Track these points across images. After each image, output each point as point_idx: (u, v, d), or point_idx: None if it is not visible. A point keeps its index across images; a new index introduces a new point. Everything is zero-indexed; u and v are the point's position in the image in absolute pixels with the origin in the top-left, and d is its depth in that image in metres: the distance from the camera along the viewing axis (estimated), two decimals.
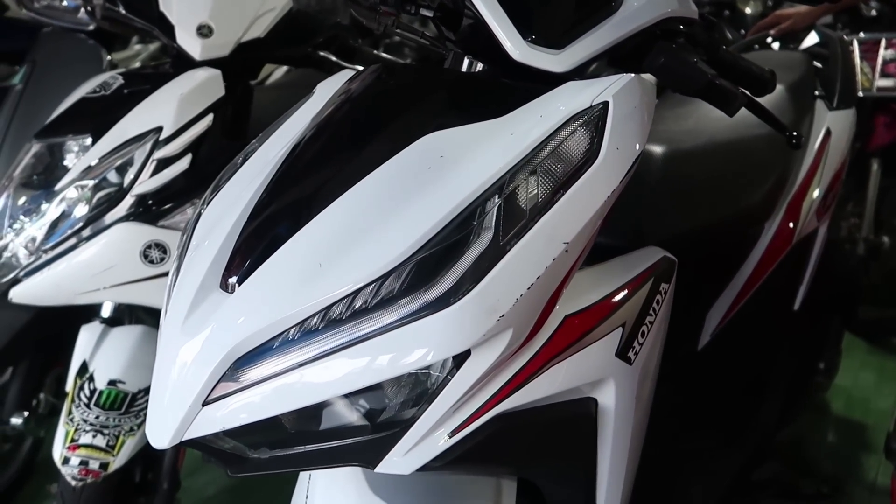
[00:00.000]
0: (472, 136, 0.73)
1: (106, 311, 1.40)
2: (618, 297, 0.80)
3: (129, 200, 1.25)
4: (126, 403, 1.27)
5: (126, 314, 1.43)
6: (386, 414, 0.71)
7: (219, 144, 1.32)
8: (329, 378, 0.65)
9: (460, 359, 0.66)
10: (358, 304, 0.66)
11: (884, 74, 2.66)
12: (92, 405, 1.25)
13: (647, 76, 0.86)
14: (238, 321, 0.67)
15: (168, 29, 1.35)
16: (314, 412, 0.72)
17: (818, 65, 1.79)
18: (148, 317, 1.43)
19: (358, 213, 0.70)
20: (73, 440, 1.23)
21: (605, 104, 0.73)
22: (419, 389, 0.70)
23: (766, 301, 1.39)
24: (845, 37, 2.69)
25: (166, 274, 1.25)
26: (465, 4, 0.81)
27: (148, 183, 1.25)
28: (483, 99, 0.79)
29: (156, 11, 1.37)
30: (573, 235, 0.68)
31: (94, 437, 1.23)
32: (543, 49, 0.79)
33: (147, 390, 1.29)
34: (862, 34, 2.70)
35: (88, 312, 1.41)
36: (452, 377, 0.67)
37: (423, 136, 0.74)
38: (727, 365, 1.38)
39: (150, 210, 1.27)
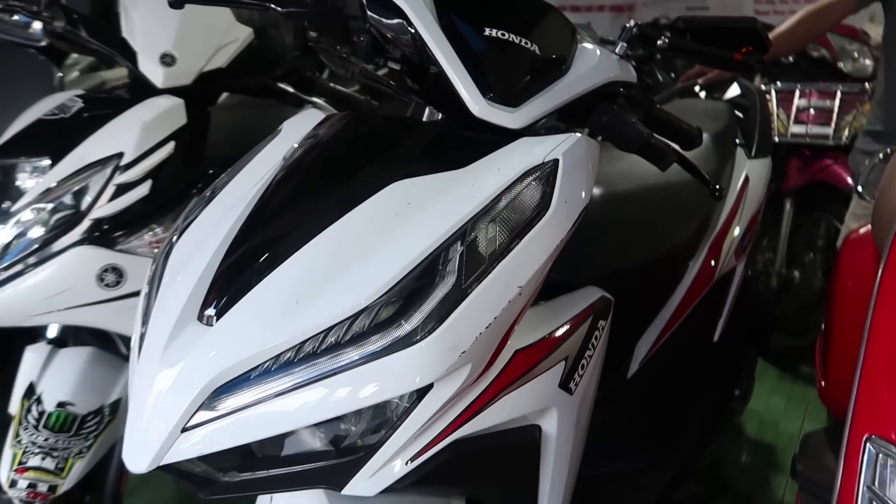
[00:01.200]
0: (436, 185, 0.81)
1: (52, 332, 1.40)
2: (561, 333, 0.88)
3: (86, 224, 1.26)
4: (76, 426, 1.27)
5: (70, 335, 1.43)
6: (349, 440, 0.76)
7: (178, 171, 1.35)
8: (302, 408, 0.71)
9: (423, 390, 0.73)
10: (331, 339, 0.71)
11: (797, 122, 2.89)
12: (41, 427, 1.24)
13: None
14: (218, 353, 0.72)
15: (130, 55, 1.38)
16: (281, 438, 0.77)
17: (739, 115, 1.95)
18: (92, 338, 1.43)
19: (332, 254, 0.76)
20: (20, 463, 1.23)
21: (556, 161, 0.82)
22: (381, 418, 0.76)
23: (689, 333, 1.51)
24: (763, 86, 2.93)
25: (122, 297, 1.28)
26: (430, 61, 0.88)
27: (106, 207, 1.27)
28: (446, 150, 0.86)
29: (118, 37, 1.39)
30: (526, 280, 0.76)
31: (42, 459, 1.22)
32: (500, 106, 0.87)
33: (96, 412, 1.30)
34: (779, 83, 2.93)
35: (29, 333, 1.41)
36: (415, 407, 0.73)
37: (392, 184, 0.80)
38: (654, 392, 1.49)
39: (107, 234, 1.28)
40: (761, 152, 1.79)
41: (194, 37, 1.40)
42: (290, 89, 1.55)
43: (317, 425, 0.75)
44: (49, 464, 1.23)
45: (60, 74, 1.76)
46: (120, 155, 1.27)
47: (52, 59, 1.78)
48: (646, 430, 1.50)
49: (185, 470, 0.76)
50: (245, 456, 0.78)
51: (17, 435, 1.25)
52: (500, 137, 0.86)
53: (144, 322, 0.82)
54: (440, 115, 0.97)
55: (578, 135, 0.86)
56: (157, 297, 0.81)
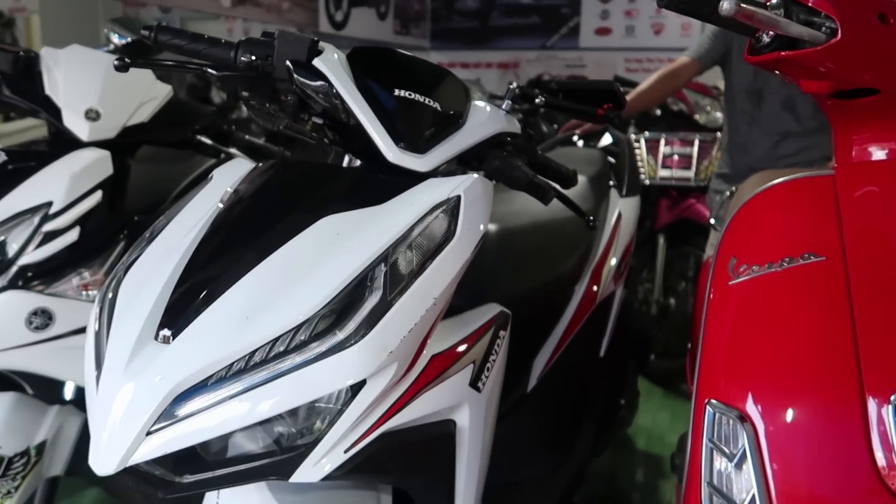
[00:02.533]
0: (360, 219, 0.95)
1: None
2: (470, 340, 1.05)
3: (13, 270, 1.31)
4: (2, 467, 1.29)
5: None
6: (291, 438, 0.88)
7: (105, 218, 1.43)
8: (255, 406, 0.82)
9: (357, 388, 0.87)
10: (278, 348, 0.84)
11: (664, 166, 3.28)
12: None
13: None
14: (178, 365, 0.82)
15: (54, 111, 1.45)
16: (226, 441, 0.88)
17: (612, 160, 2.24)
18: (6, 385, 1.46)
19: (275, 278, 0.88)
20: None
21: (459, 197, 0.99)
22: (318, 416, 0.88)
23: (578, 350, 1.71)
24: (634, 135, 3.30)
25: (51, 339, 1.33)
26: (349, 116, 1.04)
27: (34, 254, 1.33)
28: (366, 190, 1.02)
29: (41, 94, 1.47)
30: (440, 292, 0.92)
31: None
32: (410, 153, 1.03)
33: (23, 454, 1.33)
34: (647, 133, 3.32)
35: None
36: (350, 402, 0.87)
37: (322, 218, 0.95)
38: (551, 403, 1.67)
39: (35, 279, 1.33)
40: (631, 191, 2.06)
41: (118, 93, 1.50)
42: (209, 141, 1.66)
43: (262, 425, 0.87)
44: None
45: None
46: (49, 204, 1.33)
47: None
48: (546, 438, 1.68)
49: (145, 472, 0.85)
50: (195, 459, 0.88)
51: None
52: (411, 179, 1.03)
53: (98, 349, 0.91)
54: (358, 162, 1.12)
55: (476, 175, 1.04)
56: (112, 326, 0.91)
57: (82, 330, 1.37)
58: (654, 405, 2.97)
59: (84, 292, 1.37)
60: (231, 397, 0.82)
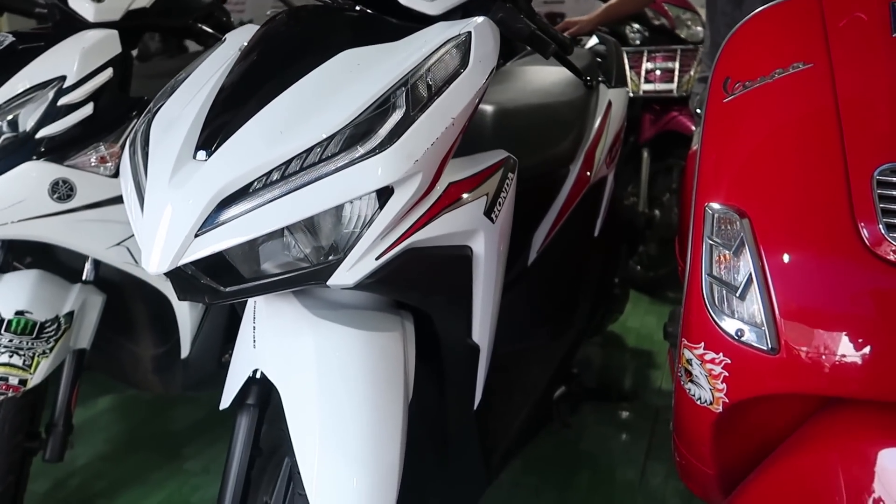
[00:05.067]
0: (379, 52, 1.01)
1: None
2: (483, 175, 1.12)
3: (35, 142, 1.35)
4: (36, 330, 1.35)
5: (8, 262, 1.50)
6: (322, 254, 0.95)
7: (117, 96, 1.46)
8: (293, 207, 0.88)
9: (385, 197, 0.93)
10: (312, 159, 0.90)
11: (647, 81, 3.34)
12: (2, 331, 1.32)
13: None
14: (219, 173, 0.88)
15: None
16: (264, 261, 0.95)
17: (599, 59, 2.30)
18: (32, 260, 1.52)
19: (304, 99, 0.94)
20: None
21: (470, 33, 1.05)
22: (347, 234, 0.95)
23: (574, 227, 1.80)
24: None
25: (73, 210, 1.38)
26: None
27: (52, 126, 1.36)
28: (381, 30, 1.07)
29: None
30: (457, 113, 0.98)
31: (10, 357, 1.30)
32: None
33: (52, 321, 1.39)
34: (629, 48, 3.37)
35: None
36: (379, 212, 0.93)
37: (343, 52, 1.00)
38: (550, 277, 1.76)
39: (55, 150, 1.37)
40: (618, 83, 2.13)
41: None
42: (209, 30, 1.69)
43: (294, 239, 0.93)
44: (17, 360, 1.30)
45: None
46: (62, 78, 1.37)
47: None
48: (547, 309, 1.77)
49: (193, 278, 0.92)
50: (237, 275, 0.95)
51: None
52: (421, 25, 1.08)
53: (137, 181, 0.96)
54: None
55: (483, 18, 1.10)
56: (149, 157, 0.96)
57: (102, 203, 1.42)
58: (642, 310, 3.09)
59: (102, 166, 1.41)
60: (269, 201, 0.88)
